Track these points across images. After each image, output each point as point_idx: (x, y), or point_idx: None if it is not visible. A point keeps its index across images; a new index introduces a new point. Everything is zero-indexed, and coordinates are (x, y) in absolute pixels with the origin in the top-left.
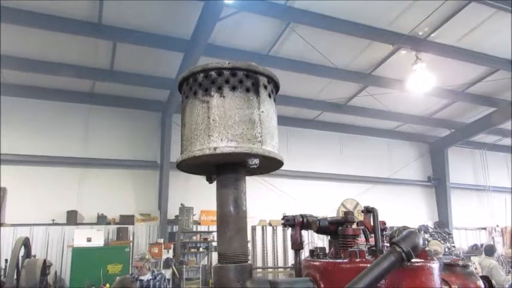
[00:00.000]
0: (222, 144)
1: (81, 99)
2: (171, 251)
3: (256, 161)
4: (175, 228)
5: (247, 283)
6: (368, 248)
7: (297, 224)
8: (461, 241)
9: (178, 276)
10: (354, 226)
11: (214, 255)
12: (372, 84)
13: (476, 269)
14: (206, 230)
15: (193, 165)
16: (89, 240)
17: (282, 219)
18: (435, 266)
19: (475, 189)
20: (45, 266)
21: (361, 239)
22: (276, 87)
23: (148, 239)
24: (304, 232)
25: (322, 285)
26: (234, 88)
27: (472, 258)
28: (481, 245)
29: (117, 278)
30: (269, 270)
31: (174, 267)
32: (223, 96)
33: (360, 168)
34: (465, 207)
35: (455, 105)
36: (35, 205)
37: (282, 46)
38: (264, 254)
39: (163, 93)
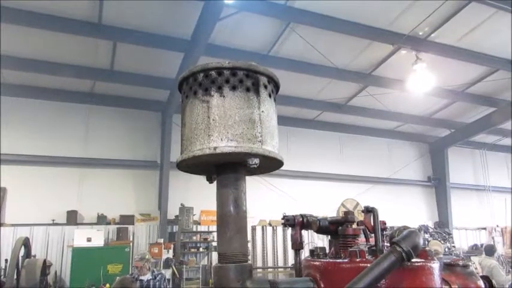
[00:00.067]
0: (222, 144)
1: (81, 99)
2: (171, 251)
3: (257, 160)
4: (175, 228)
5: (247, 283)
6: (368, 247)
7: (297, 223)
8: (461, 241)
9: (178, 276)
10: (354, 226)
11: (214, 255)
12: (372, 84)
13: (476, 269)
14: (206, 230)
15: (193, 165)
16: (89, 240)
17: (282, 219)
18: (435, 265)
19: (475, 189)
20: (45, 266)
21: (361, 238)
22: (276, 87)
23: (148, 239)
24: (304, 232)
25: (322, 285)
26: (234, 88)
27: (472, 258)
28: (481, 245)
29: (117, 278)
30: (269, 270)
31: (174, 267)
32: (224, 96)
33: (360, 168)
34: (465, 207)
35: (456, 105)
36: (35, 205)
37: (282, 46)
38: (264, 254)
39: (163, 93)
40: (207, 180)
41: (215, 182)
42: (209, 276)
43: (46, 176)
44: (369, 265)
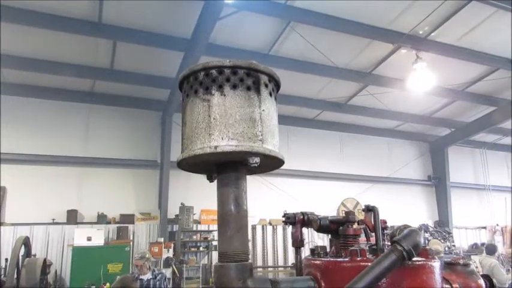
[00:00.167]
0: (223, 142)
1: (82, 99)
2: (171, 250)
3: (257, 159)
4: (176, 228)
5: (248, 282)
6: (369, 246)
7: (297, 221)
8: (461, 240)
9: (178, 275)
10: (355, 226)
11: (215, 255)
12: (372, 83)
13: (477, 267)
14: (206, 229)
15: (194, 164)
16: (89, 239)
17: (283, 216)
18: (436, 264)
19: (475, 188)
20: (46, 265)
21: (362, 237)
22: (277, 85)
23: (148, 238)
24: (304, 231)
25: (323, 284)
26: (234, 86)
27: (472, 257)
28: (482, 244)
29: (118, 277)
30: (269, 269)
31: (174, 267)
32: (224, 95)
33: (360, 168)
34: (465, 206)
35: (456, 104)
36: (35, 204)
37: (282, 45)
38: (264, 253)
39: (163, 92)
40: (208, 179)
41: (215, 181)
42: (209, 275)
43: (46, 175)
44: (369, 264)
